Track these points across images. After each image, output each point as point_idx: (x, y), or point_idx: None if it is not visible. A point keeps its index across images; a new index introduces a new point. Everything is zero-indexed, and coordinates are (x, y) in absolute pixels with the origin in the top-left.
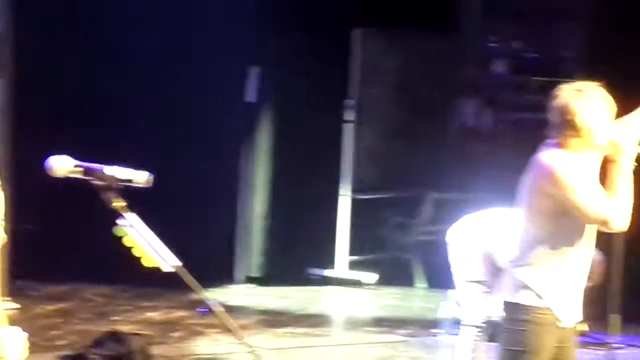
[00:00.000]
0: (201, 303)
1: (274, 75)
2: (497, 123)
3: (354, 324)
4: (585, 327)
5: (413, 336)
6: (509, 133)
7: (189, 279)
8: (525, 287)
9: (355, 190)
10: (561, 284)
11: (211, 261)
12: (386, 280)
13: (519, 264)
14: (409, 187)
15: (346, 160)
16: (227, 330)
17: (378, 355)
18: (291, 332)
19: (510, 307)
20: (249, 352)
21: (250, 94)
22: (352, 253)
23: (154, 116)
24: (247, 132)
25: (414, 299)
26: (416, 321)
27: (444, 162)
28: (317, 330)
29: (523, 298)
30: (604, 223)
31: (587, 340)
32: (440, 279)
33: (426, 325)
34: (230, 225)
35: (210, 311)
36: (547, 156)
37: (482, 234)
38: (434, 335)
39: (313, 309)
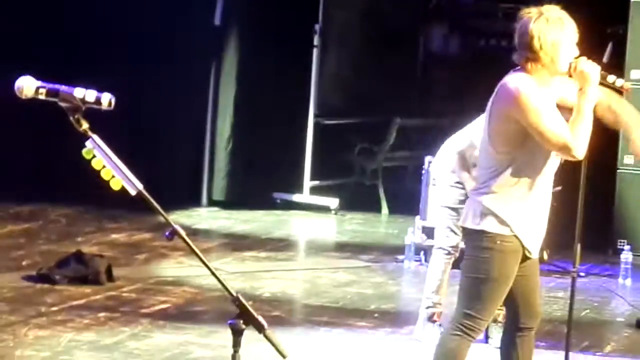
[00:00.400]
0: (166, 226)
1: None
2: (464, 49)
3: (318, 249)
4: (546, 256)
5: (376, 262)
6: (476, 59)
7: (153, 202)
8: (490, 214)
9: (321, 115)
10: (525, 212)
11: (177, 184)
12: (350, 205)
13: (482, 191)
14: (375, 112)
15: (313, 85)
16: (191, 253)
17: (340, 280)
18: (255, 256)
19: (473, 234)
20: (212, 275)
21: (218, 17)
22: (317, 178)
23: (123, 39)
24: (215, 56)
25: (377, 225)
26: (379, 247)
27: (410, 88)
28: (280, 255)
29: (487, 225)
30: (565, 149)
31: (551, 269)
32: (404, 205)
33: (389, 251)
34: (197, 148)
35: (174, 234)
36: (512, 80)
37: (460, 145)
38: (397, 261)
39: (277, 233)
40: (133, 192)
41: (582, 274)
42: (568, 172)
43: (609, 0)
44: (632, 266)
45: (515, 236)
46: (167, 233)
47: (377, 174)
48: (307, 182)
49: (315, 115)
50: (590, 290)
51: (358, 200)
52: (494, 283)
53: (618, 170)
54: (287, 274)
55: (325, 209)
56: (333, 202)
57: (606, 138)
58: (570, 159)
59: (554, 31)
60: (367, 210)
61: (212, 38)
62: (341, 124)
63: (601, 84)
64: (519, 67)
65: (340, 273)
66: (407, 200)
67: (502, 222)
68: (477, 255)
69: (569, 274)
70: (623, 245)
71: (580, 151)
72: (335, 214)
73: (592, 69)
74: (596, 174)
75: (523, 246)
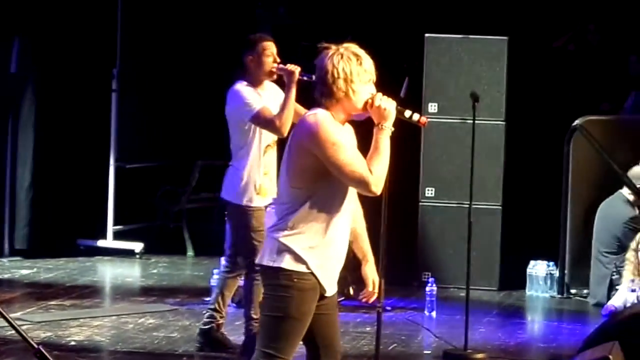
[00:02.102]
0: None
1: (39, 45)
2: None
3: (123, 294)
4: (352, 292)
5: (182, 305)
6: None
7: None
8: (286, 250)
9: (122, 159)
10: (322, 250)
11: None
12: (156, 249)
13: (279, 227)
14: (177, 155)
15: (113, 130)
16: None
17: (148, 325)
18: (60, 305)
19: (270, 272)
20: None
21: (13, 64)
22: (121, 223)
23: None
24: (11, 104)
25: (183, 267)
26: (186, 289)
27: (211, 129)
28: (85, 302)
29: (284, 262)
30: (363, 184)
31: (355, 304)
32: (209, 246)
33: (196, 293)
34: None
35: None
36: (311, 115)
37: None
38: (204, 303)
39: (82, 280)
40: None
41: (388, 308)
42: (371, 207)
43: (405, 36)
44: (437, 298)
45: (312, 273)
46: None
47: (181, 216)
48: (111, 227)
49: (117, 160)
50: (397, 324)
51: (163, 243)
52: (292, 321)
53: (420, 203)
54: (93, 321)
55: (130, 253)
56: (137, 246)
57: (407, 172)
58: (367, 194)
59: (347, 66)
60: (172, 253)
61: (9, 85)
62: (143, 168)
63: (398, 118)
64: (317, 104)
65: (147, 318)
66: (212, 241)
67: (299, 259)
68: (274, 294)
69: (375, 309)
70: (427, 278)
71: (377, 186)
72: (140, 258)
73: (388, 104)
74: (398, 207)
75: (320, 284)
